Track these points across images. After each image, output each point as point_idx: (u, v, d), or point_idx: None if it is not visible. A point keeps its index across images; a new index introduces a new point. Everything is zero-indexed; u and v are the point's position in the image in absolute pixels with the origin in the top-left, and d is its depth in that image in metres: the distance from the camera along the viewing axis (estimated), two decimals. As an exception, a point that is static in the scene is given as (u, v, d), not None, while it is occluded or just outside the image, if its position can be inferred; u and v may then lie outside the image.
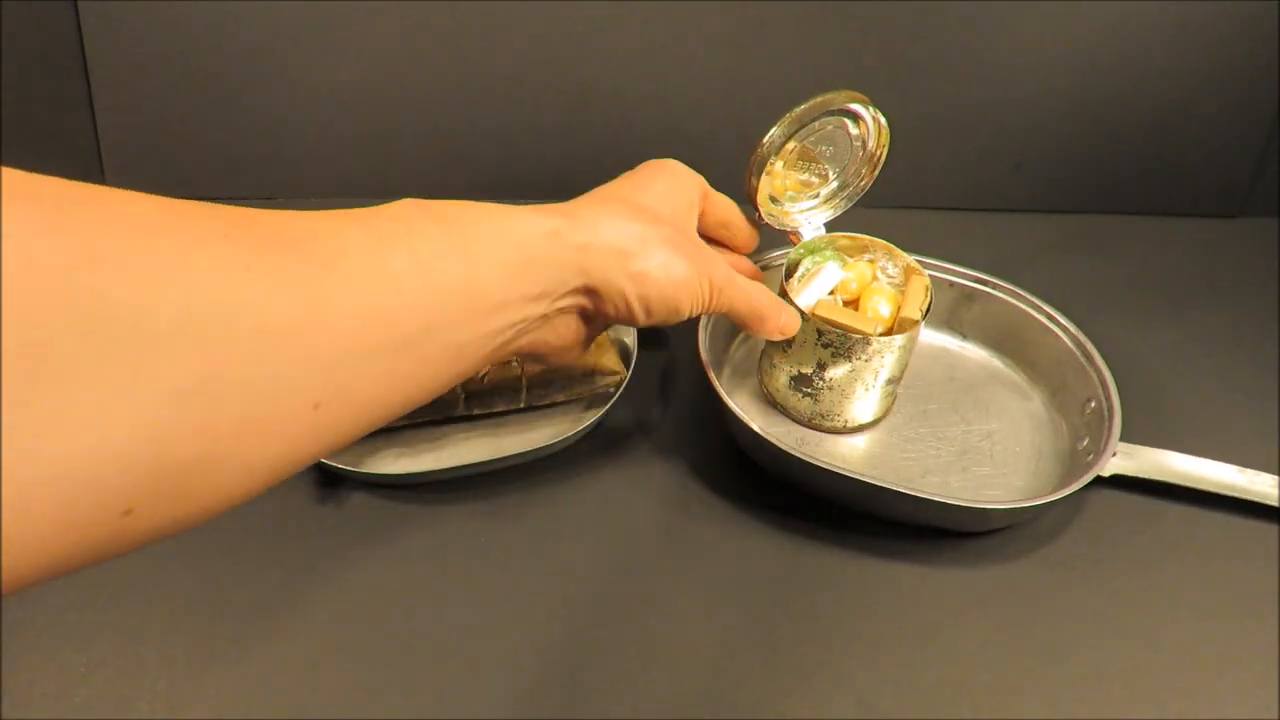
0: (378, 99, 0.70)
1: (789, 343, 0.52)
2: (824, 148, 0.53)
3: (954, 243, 0.65)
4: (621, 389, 0.54)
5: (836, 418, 0.54)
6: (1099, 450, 0.50)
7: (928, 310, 0.51)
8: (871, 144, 0.53)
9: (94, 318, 0.21)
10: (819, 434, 0.54)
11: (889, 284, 0.53)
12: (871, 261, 0.54)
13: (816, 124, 0.50)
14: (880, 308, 0.51)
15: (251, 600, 0.46)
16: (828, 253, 0.54)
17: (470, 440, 0.53)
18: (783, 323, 0.48)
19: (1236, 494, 0.50)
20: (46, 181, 0.23)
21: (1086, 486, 0.48)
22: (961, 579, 0.48)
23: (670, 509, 0.50)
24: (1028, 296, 0.57)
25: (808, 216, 0.55)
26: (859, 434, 0.55)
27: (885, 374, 0.51)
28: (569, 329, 0.41)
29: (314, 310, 0.27)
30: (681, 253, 0.42)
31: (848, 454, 0.53)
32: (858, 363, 0.50)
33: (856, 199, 0.56)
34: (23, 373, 0.20)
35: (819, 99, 0.49)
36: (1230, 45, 0.68)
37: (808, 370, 0.52)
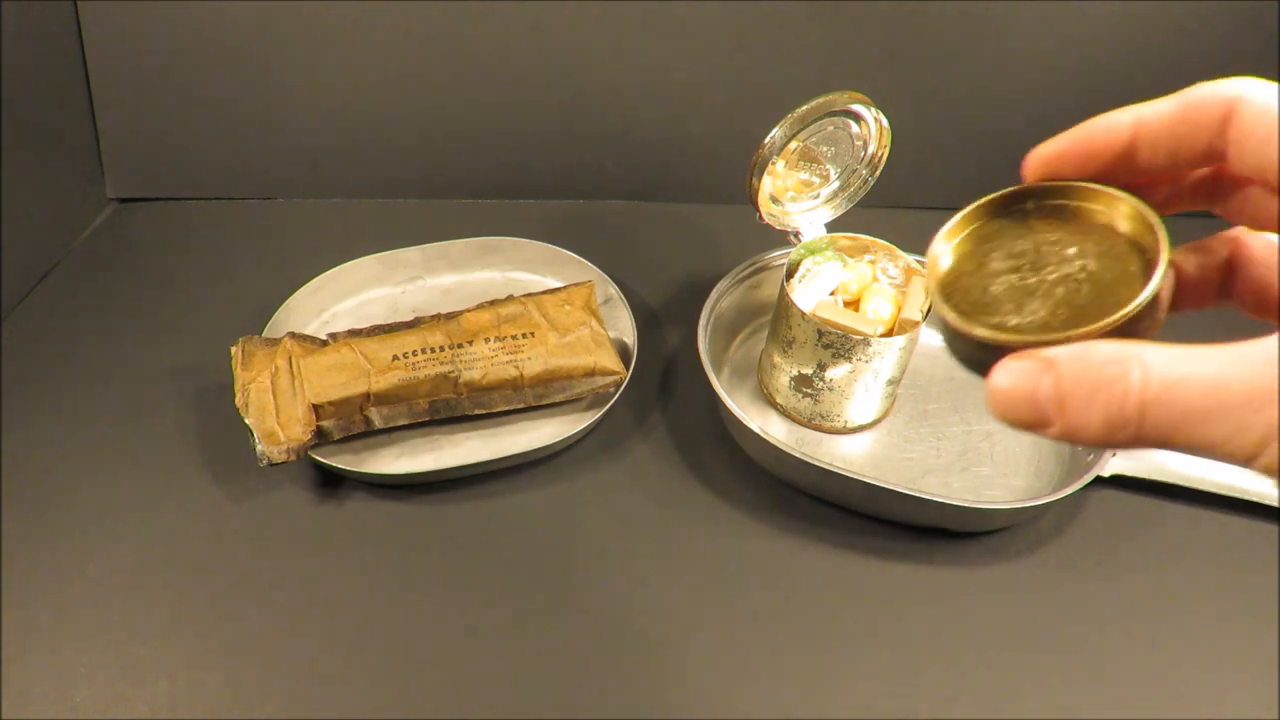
0: (378, 99, 0.70)
1: (789, 343, 0.52)
2: (825, 148, 0.53)
3: (954, 243, 0.65)
4: (621, 389, 0.54)
5: (836, 418, 0.54)
6: (1099, 450, 0.50)
7: (929, 311, 0.51)
8: (873, 145, 0.53)
9: None
10: (819, 434, 0.54)
11: (890, 285, 0.53)
12: (872, 262, 0.54)
13: (818, 124, 0.50)
14: (881, 308, 0.51)
15: (251, 600, 0.46)
16: (828, 253, 0.54)
17: (470, 440, 0.53)
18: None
19: (1236, 494, 0.50)
20: None
21: (1086, 486, 0.48)
22: (961, 579, 0.48)
23: (670, 509, 0.50)
24: (1028, 297, 0.57)
25: (808, 216, 0.55)
26: (859, 434, 0.55)
27: (885, 375, 0.51)
28: None
29: None
30: None
31: (848, 454, 0.53)
32: (858, 363, 0.50)
33: (857, 199, 0.56)
34: None
35: (821, 100, 0.49)
36: (1230, 45, 0.68)
37: (808, 371, 0.52)
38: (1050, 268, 0.23)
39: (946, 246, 0.25)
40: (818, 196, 0.56)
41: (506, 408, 0.53)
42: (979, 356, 0.22)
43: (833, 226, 0.56)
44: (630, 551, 0.48)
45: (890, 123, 0.52)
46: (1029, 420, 0.20)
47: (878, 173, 0.54)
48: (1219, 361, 0.18)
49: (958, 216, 0.25)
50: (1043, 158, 0.24)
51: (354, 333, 0.54)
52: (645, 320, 0.62)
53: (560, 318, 0.55)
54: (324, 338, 0.54)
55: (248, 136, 0.71)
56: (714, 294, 0.56)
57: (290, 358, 0.51)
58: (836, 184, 0.55)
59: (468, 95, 0.70)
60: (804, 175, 0.54)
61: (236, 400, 0.50)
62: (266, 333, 0.56)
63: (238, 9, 0.66)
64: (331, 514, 0.50)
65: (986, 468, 0.53)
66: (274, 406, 0.50)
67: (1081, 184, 0.24)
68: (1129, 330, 0.21)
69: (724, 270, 0.58)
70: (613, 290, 0.60)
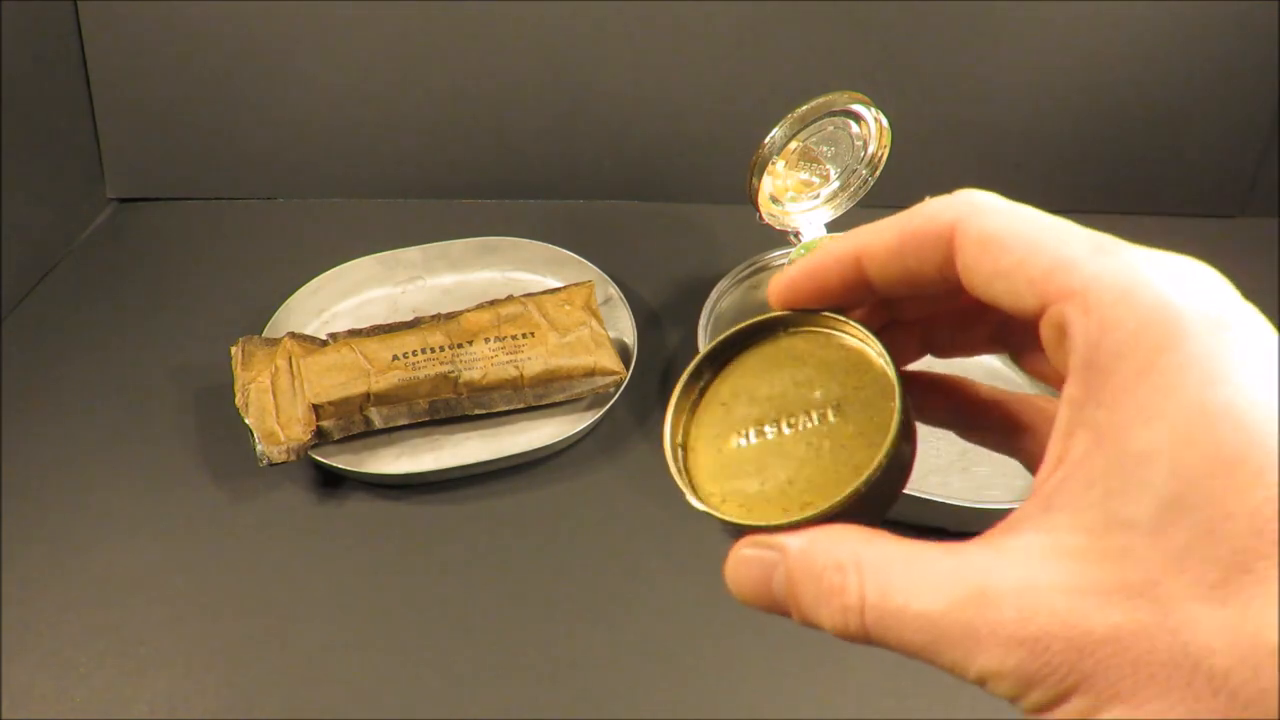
0: (378, 99, 0.70)
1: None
2: (825, 148, 0.53)
3: (954, 243, 0.65)
4: (621, 389, 0.53)
5: (837, 418, 0.54)
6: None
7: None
8: (873, 145, 0.53)
9: None
10: (819, 434, 0.54)
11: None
12: (872, 262, 0.54)
13: (818, 124, 0.50)
14: (880, 308, 0.51)
15: (251, 600, 0.46)
16: (828, 253, 0.54)
17: (470, 440, 0.53)
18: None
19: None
20: None
21: (1087, 487, 0.48)
22: (962, 579, 0.48)
23: (670, 509, 0.50)
24: (1028, 297, 0.57)
25: (808, 216, 0.55)
26: (859, 434, 0.54)
27: (885, 374, 0.51)
28: None
29: None
30: None
31: (848, 454, 0.53)
32: (858, 363, 0.50)
33: (857, 199, 0.56)
34: None
35: (821, 100, 0.49)
36: (1230, 45, 0.68)
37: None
38: (796, 416, 0.21)
39: (689, 393, 0.23)
40: (818, 196, 0.56)
41: (506, 408, 0.53)
42: (725, 527, 0.21)
43: (833, 226, 0.56)
44: (630, 551, 0.48)
45: (890, 123, 0.52)
46: (768, 609, 0.19)
47: (878, 173, 0.54)
48: (933, 584, 0.17)
49: (706, 350, 0.23)
50: (778, 287, 0.22)
51: (354, 333, 0.54)
52: (645, 320, 0.62)
53: (560, 318, 0.55)
54: (324, 338, 0.54)
55: (248, 136, 0.71)
56: (714, 294, 0.56)
57: (290, 358, 0.51)
58: (836, 184, 0.55)
59: (468, 95, 0.70)
60: (804, 175, 0.54)
61: (236, 400, 0.50)
62: (266, 333, 0.56)
63: (237, 9, 0.66)
64: (331, 514, 0.50)
65: (986, 468, 0.53)
66: (274, 406, 0.49)
67: (821, 314, 0.22)
68: (864, 501, 0.19)
69: (724, 270, 0.58)
70: (613, 290, 0.60)
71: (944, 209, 0.19)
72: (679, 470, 0.22)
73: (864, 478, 0.19)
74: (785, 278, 0.22)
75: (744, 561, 0.20)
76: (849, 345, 0.22)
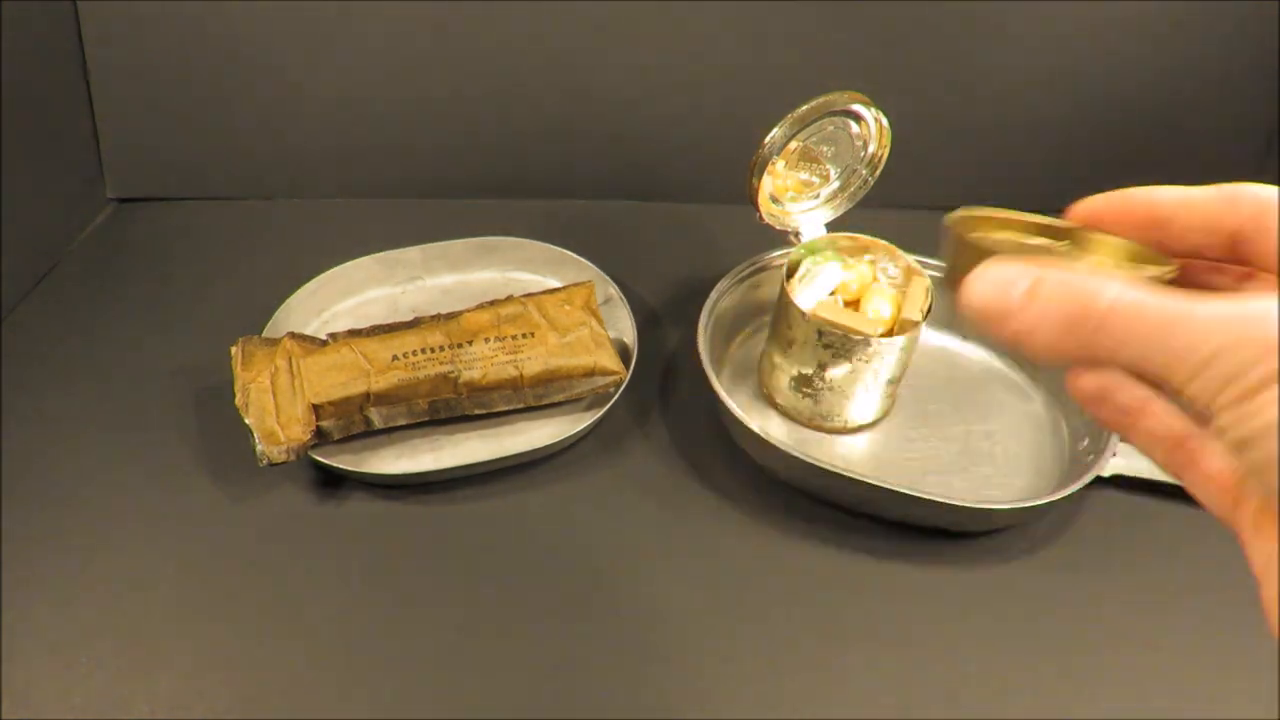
0: (378, 99, 0.70)
1: (790, 343, 0.52)
2: (825, 148, 0.53)
3: (954, 243, 0.65)
4: (621, 389, 0.54)
5: (837, 418, 0.54)
6: (1099, 450, 0.50)
7: (928, 311, 0.51)
8: (873, 144, 0.53)
9: None
10: (819, 434, 0.54)
11: (890, 285, 0.53)
12: (872, 262, 0.54)
13: (818, 124, 0.50)
14: (881, 309, 0.51)
15: (251, 600, 0.46)
16: (828, 253, 0.54)
17: (470, 440, 0.53)
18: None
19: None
20: None
21: (1086, 486, 0.48)
22: (961, 579, 0.48)
23: (670, 509, 0.50)
24: (1028, 297, 0.57)
25: (809, 216, 0.55)
26: (859, 434, 0.55)
27: (886, 375, 0.51)
28: None
29: None
30: None
31: (848, 454, 0.53)
32: (858, 363, 0.50)
33: (857, 199, 0.56)
34: None
35: (821, 100, 0.49)
36: (1231, 45, 0.68)
37: (808, 371, 0.52)
38: (1066, 253, 0.25)
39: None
40: (818, 196, 0.56)
41: (506, 408, 0.53)
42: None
43: (833, 226, 0.56)
44: (630, 551, 0.48)
45: (890, 123, 0.52)
46: (991, 302, 0.21)
47: (878, 173, 0.54)
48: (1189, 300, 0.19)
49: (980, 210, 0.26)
50: (1081, 210, 0.25)
51: (354, 333, 0.54)
52: (645, 320, 0.62)
53: (560, 318, 0.55)
54: (324, 338, 0.54)
55: (248, 136, 0.71)
56: (714, 294, 0.56)
57: (290, 357, 0.51)
58: (836, 184, 0.55)
59: (467, 95, 0.70)
60: (804, 175, 0.54)
61: (236, 400, 0.50)
62: (266, 333, 0.56)
63: (238, 9, 0.66)
64: (331, 514, 0.50)
65: (987, 468, 0.53)
66: (274, 406, 0.49)
67: (1085, 230, 0.25)
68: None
69: (724, 270, 0.58)
70: (613, 290, 0.60)
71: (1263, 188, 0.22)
72: (960, 223, 0.24)
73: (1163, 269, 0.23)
74: (1090, 204, 0.25)
75: (1000, 263, 0.21)
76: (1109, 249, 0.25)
